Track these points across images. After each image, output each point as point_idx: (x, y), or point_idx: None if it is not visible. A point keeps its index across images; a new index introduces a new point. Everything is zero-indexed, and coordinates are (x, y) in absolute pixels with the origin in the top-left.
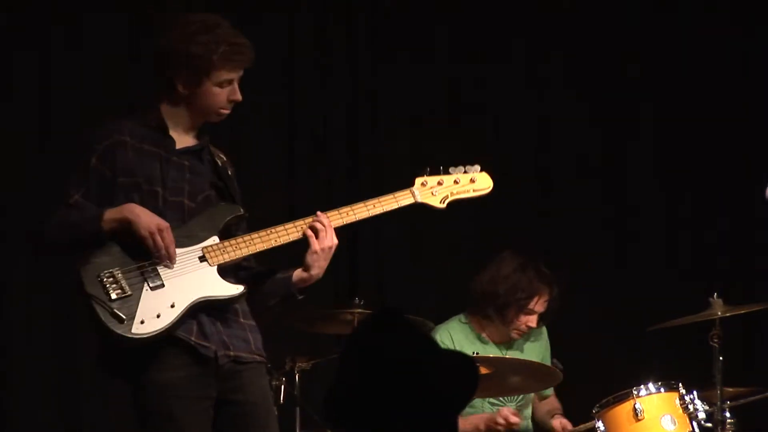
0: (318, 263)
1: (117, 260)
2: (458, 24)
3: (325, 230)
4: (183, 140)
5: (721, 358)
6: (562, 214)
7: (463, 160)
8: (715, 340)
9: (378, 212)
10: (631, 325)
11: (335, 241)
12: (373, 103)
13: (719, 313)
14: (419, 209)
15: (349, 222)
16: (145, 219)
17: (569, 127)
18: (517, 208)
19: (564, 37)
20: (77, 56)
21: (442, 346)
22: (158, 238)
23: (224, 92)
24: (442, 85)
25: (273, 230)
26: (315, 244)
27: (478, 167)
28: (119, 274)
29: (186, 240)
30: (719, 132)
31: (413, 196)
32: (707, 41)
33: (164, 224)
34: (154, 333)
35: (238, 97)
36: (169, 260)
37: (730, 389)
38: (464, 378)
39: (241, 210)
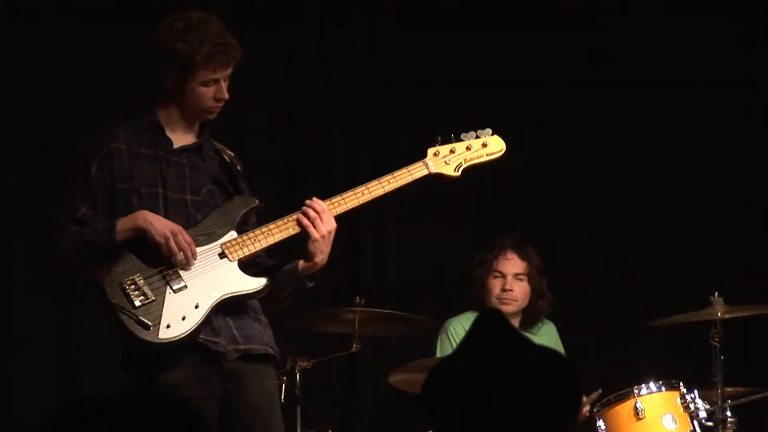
0: (320, 249)
1: (137, 267)
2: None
3: (319, 216)
4: (181, 139)
5: (722, 357)
6: (563, 212)
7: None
8: (716, 339)
9: (393, 187)
10: (632, 324)
11: (333, 224)
12: (373, 103)
13: (720, 313)
14: (434, 182)
15: (365, 201)
16: (158, 225)
17: (571, 129)
18: (518, 209)
19: (564, 59)
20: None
21: (456, 337)
22: (172, 243)
23: (210, 91)
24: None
25: (290, 218)
26: (314, 232)
27: (489, 130)
28: (141, 281)
29: (204, 238)
30: (721, 130)
31: (427, 167)
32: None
33: (177, 228)
34: (182, 336)
35: (225, 95)
36: (188, 262)
37: (731, 388)
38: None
39: (257, 201)
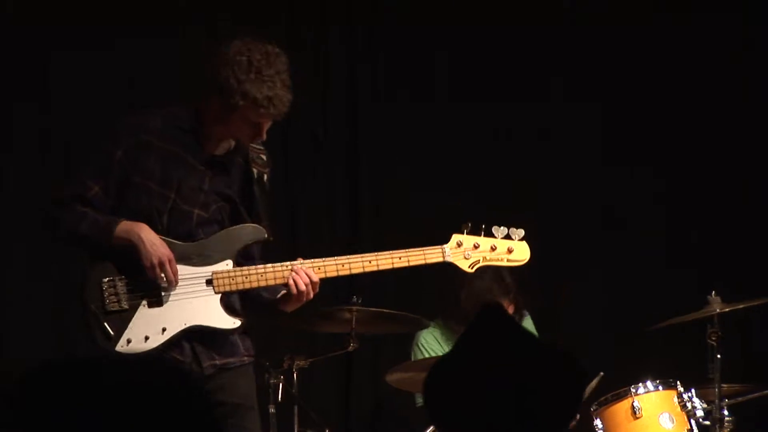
0: (293, 306)
1: (124, 267)
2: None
3: (308, 288)
4: (213, 147)
5: (719, 356)
6: (560, 213)
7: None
8: (713, 338)
9: (403, 265)
10: (629, 323)
11: (317, 289)
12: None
13: (717, 311)
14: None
15: (370, 270)
16: (150, 249)
17: (570, 135)
18: (516, 210)
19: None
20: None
21: (426, 346)
22: (158, 270)
23: (249, 129)
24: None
25: (289, 265)
26: (301, 297)
27: (521, 232)
28: (121, 284)
29: (198, 259)
30: (717, 130)
31: (443, 255)
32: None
33: (166, 257)
34: (137, 354)
35: (262, 138)
36: (168, 288)
37: (728, 387)
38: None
39: (265, 234)
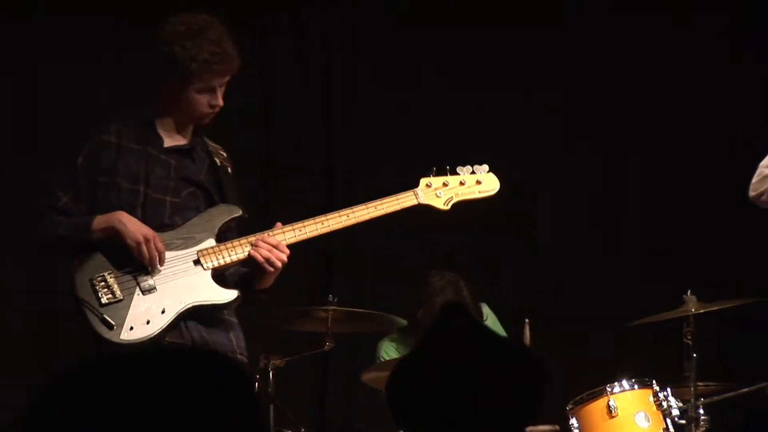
0: (269, 279)
1: (110, 263)
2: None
3: (271, 252)
4: (173, 139)
5: (694, 355)
6: (533, 214)
7: (472, 159)
8: (689, 337)
9: (380, 214)
10: (605, 322)
11: (284, 258)
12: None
13: (693, 310)
14: (421, 210)
15: (349, 224)
16: (132, 229)
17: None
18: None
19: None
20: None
21: (387, 357)
22: (143, 248)
23: (205, 98)
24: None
25: (271, 233)
26: (268, 268)
27: (486, 167)
28: (111, 278)
29: (181, 242)
30: (695, 132)
31: (417, 197)
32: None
33: (150, 233)
34: (143, 339)
35: (219, 103)
36: (155, 268)
37: (704, 386)
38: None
39: (240, 211)
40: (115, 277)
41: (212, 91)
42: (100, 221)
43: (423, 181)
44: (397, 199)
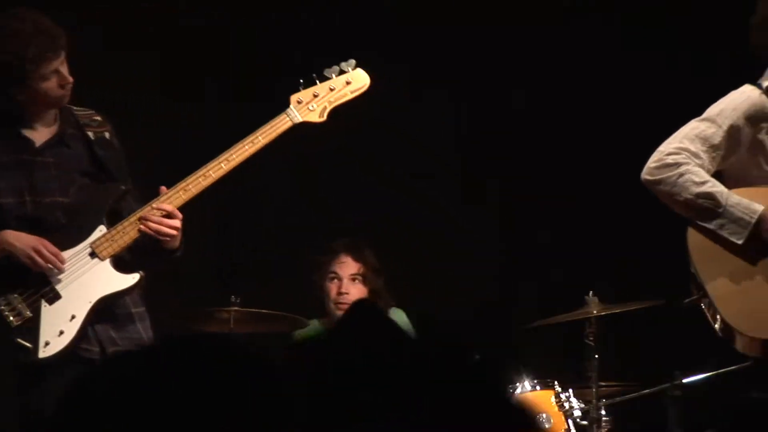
0: (173, 244)
1: (12, 285)
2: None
3: (161, 223)
4: (42, 134)
5: (596, 356)
6: (427, 211)
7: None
8: (591, 338)
9: (259, 147)
10: (506, 323)
11: (178, 224)
12: None
13: (595, 312)
14: (301, 130)
15: (231, 167)
16: (20, 245)
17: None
18: (384, 207)
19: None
20: None
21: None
22: (38, 258)
23: (53, 82)
24: None
25: (157, 202)
26: (163, 239)
27: (353, 62)
28: (15, 299)
29: (74, 239)
30: (610, 125)
31: (290, 118)
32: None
33: (38, 242)
34: (59, 351)
35: (69, 80)
36: (58, 272)
37: (606, 387)
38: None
39: (122, 187)
40: (20, 296)
41: (57, 73)
42: None
43: (293, 98)
44: (271, 126)
